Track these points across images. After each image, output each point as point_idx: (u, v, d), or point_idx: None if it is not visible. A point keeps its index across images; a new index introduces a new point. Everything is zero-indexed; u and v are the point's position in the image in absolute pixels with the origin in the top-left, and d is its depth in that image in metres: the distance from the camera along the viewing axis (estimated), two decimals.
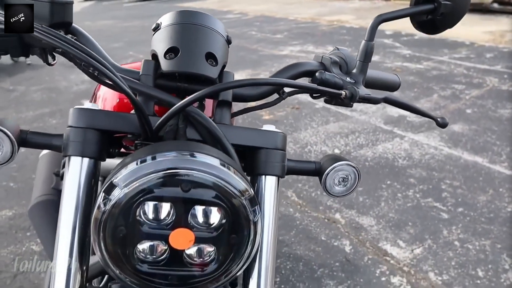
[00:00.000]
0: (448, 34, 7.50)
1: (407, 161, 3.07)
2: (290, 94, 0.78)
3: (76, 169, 0.62)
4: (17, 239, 2.37)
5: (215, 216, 0.56)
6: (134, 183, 0.52)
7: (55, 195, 1.79)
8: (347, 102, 0.73)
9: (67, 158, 0.63)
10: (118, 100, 1.01)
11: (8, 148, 0.60)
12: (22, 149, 2.97)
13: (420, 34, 7.46)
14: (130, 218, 0.53)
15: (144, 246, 0.55)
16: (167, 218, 0.54)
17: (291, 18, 10.08)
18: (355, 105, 2.02)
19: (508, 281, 1.94)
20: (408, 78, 4.94)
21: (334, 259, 2.10)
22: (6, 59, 6.75)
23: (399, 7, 0.78)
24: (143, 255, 0.56)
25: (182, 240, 0.54)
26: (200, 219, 0.55)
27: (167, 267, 0.56)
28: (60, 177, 1.84)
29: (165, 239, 0.55)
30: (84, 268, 0.63)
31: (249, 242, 0.58)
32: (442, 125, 0.83)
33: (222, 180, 0.55)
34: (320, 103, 4.12)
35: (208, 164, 0.55)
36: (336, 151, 3.24)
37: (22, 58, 6.86)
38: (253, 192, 0.57)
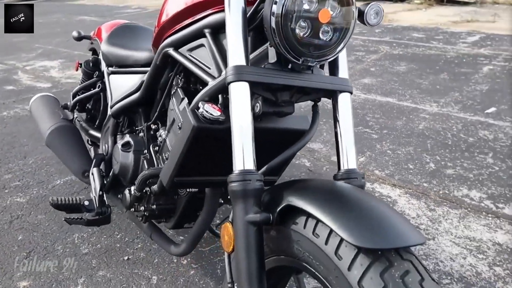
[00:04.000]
0: None
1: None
2: None
3: None
4: None
5: (340, 4, 0.92)
6: None
7: (67, 122, 1.98)
8: None
9: None
10: None
11: None
12: None
13: None
14: (296, 7, 0.88)
15: (301, 23, 0.89)
16: (315, 5, 0.89)
17: None
18: None
19: (430, 168, 2.53)
20: None
21: (299, 171, 2.53)
22: None
23: None
24: (300, 28, 0.90)
25: (325, 16, 0.89)
26: (333, 7, 0.91)
27: (311, 38, 0.91)
28: (69, 108, 2.02)
29: (313, 18, 0.89)
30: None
31: (351, 26, 0.95)
32: None
33: None
34: None
35: None
36: None
37: None
38: None
